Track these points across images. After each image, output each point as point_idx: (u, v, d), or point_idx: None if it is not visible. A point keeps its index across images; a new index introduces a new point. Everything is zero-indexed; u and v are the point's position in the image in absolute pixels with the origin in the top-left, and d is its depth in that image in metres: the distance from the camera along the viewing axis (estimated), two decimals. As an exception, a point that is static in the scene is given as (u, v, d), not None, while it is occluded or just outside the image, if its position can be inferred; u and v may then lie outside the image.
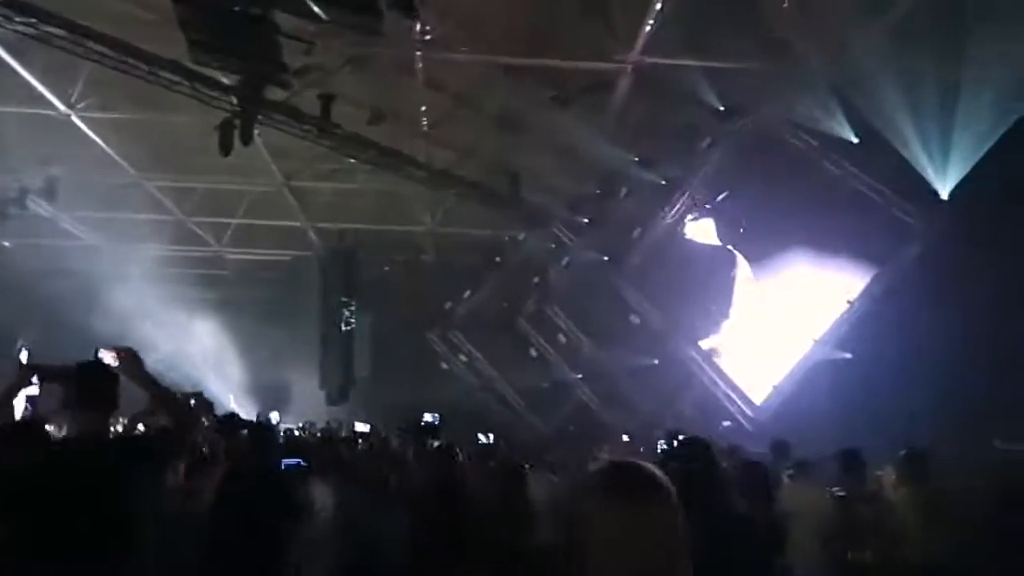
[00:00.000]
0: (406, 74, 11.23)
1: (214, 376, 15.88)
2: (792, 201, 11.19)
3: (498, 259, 15.89)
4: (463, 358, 16.47)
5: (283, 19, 6.97)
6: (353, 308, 15.90)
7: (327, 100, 10.38)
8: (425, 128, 12.24)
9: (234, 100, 9.32)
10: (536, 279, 15.48)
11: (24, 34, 8.10)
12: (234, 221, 16.58)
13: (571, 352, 15.00)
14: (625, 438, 10.54)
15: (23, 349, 20.65)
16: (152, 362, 3.41)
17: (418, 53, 10.09)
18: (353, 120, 11.27)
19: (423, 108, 11.79)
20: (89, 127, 11.88)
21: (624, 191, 13.02)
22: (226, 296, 18.21)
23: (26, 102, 11.12)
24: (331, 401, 15.35)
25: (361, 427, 9.18)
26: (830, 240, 10.90)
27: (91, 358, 3.07)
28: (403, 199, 15.41)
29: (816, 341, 11.00)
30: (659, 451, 7.41)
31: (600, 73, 11.17)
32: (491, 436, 11.43)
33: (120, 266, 16.61)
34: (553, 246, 14.57)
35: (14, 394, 3.33)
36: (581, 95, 11.78)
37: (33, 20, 7.97)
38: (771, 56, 10.01)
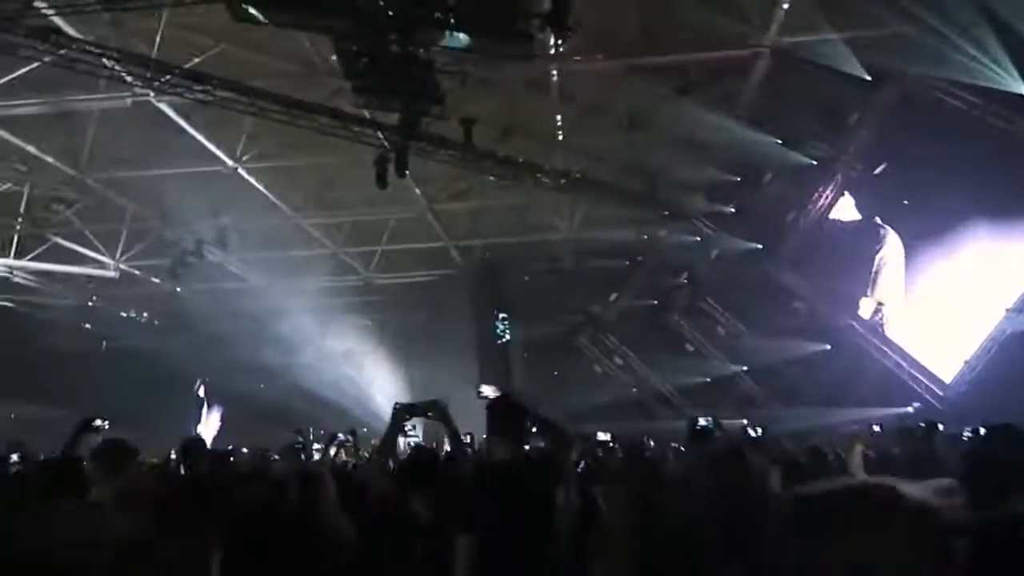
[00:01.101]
0: (539, 88, 11.52)
1: (379, 397, 16.69)
2: (957, 166, 10.51)
3: (640, 258, 15.83)
4: (617, 360, 16.50)
5: (436, 53, 7.30)
6: (504, 320, 16.28)
7: (468, 124, 10.68)
8: (558, 137, 12.43)
9: (389, 136, 9.82)
10: (685, 274, 15.28)
11: (202, 101, 8.87)
12: (379, 248, 17.44)
13: (731, 344, 14.71)
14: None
15: (202, 385, 22.66)
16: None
17: (553, 67, 10.28)
18: (486, 139, 11.66)
19: (557, 118, 11.98)
20: (252, 176, 12.81)
21: (768, 176, 12.66)
22: (380, 320, 19.19)
23: (198, 161, 12.15)
24: (493, 413, 15.78)
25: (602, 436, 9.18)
26: (1007, 202, 10.16)
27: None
28: (538, 209, 15.76)
29: (1009, 310, 10.27)
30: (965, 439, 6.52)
31: (732, 60, 10.97)
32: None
33: (282, 301, 17.84)
34: (698, 239, 14.36)
35: (395, 435, 3.83)
36: (711, 85, 11.65)
37: (208, 87, 8.70)
38: (918, 15, 9.48)
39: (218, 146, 11.73)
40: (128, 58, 8.25)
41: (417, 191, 13.92)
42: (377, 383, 18.31)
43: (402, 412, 3.53)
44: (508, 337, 16.31)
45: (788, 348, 13.11)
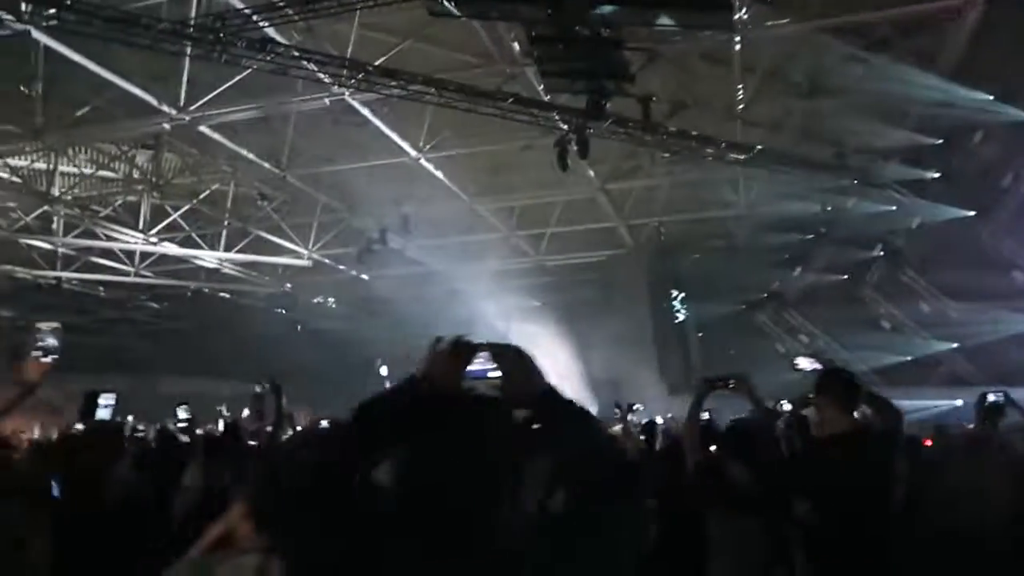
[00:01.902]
0: (714, 60, 11.16)
1: (555, 378, 16.92)
2: None
3: (824, 231, 14.97)
4: (802, 338, 15.76)
5: (627, 33, 7.24)
6: (679, 299, 16.01)
7: (646, 101, 10.50)
8: (737, 109, 11.98)
9: (568, 118, 9.88)
10: (879, 246, 14.28)
11: (395, 96, 9.33)
12: (549, 230, 17.69)
13: (935, 320, 13.61)
14: None
15: (383, 365, 24.05)
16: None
17: (736, 36, 9.89)
18: (657, 114, 11.41)
19: (737, 89, 11.54)
20: (433, 166, 13.33)
21: (978, 136, 11.52)
22: (549, 301, 19.48)
23: (384, 154, 12.81)
24: (673, 391, 15.60)
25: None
26: None
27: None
28: (710, 185, 15.35)
29: None
30: None
31: (938, 10, 10.05)
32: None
33: (458, 284, 18.54)
34: (893, 208, 13.37)
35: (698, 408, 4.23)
36: (906, 40, 10.75)
37: (401, 82, 9.12)
38: None
39: (403, 138, 12.27)
40: (331, 60, 8.80)
41: (591, 172, 13.93)
42: (551, 364, 18.58)
43: (707, 385, 3.56)
44: (684, 316, 15.99)
45: (1007, 323, 11.92)
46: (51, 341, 2.83)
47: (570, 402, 1.55)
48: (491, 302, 18.91)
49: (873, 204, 13.62)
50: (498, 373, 1.58)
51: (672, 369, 15.84)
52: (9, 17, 8.25)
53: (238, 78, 10.32)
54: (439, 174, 13.64)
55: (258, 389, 4.94)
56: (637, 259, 17.51)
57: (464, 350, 1.58)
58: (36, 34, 8.69)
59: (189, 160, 15.01)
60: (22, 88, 10.19)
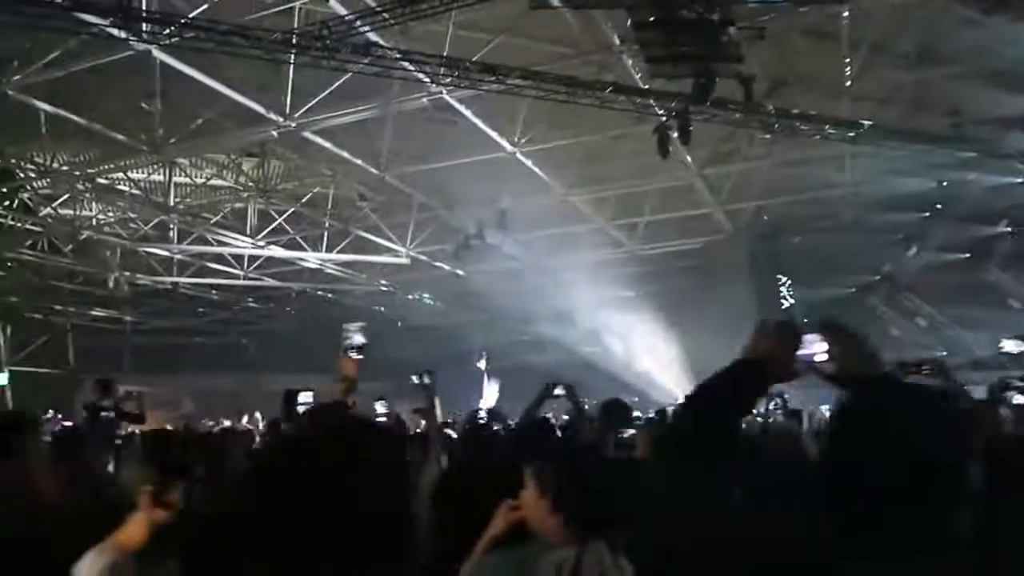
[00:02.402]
0: (818, 34, 10.73)
1: (657, 368, 16.77)
2: None
3: (939, 207, 14.18)
4: (920, 321, 15.00)
5: (736, 11, 7.05)
6: (785, 284, 15.52)
7: (748, 82, 10.19)
8: (844, 84, 11.48)
9: (667, 104, 9.70)
10: (1005, 221, 13.43)
11: (495, 91, 9.38)
12: (643, 219, 17.46)
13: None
14: None
15: (482, 357, 24.39)
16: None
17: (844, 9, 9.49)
18: (756, 94, 11.04)
19: (844, 63, 11.05)
20: (528, 159, 13.36)
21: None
22: (645, 291, 19.26)
23: (480, 150, 12.91)
24: (780, 381, 15.16)
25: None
26: None
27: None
28: (813, 164, 14.82)
29: None
30: None
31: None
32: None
33: (554, 277, 18.56)
34: (1019, 180, 12.54)
35: None
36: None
37: (498, 77, 9.16)
38: None
39: (499, 134, 12.34)
40: (431, 60, 8.93)
41: (688, 158, 13.65)
42: (649, 353, 18.40)
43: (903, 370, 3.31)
44: (790, 302, 15.48)
45: None
46: (359, 339, 3.02)
47: (913, 385, 1.40)
48: (586, 293, 18.86)
49: (995, 177, 12.81)
50: (826, 356, 1.47)
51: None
52: (132, 39, 8.73)
53: (339, 83, 10.62)
54: (534, 168, 13.65)
55: (416, 380, 5.01)
56: (737, 244, 17.05)
57: (791, 333, 1.48)
58: (156, 53, 9.17)
59: (291, 165, 15.59)
60: (143, 105, 10.73)
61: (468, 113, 11.47)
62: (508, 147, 12.70)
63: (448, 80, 9.70)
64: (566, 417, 6.06)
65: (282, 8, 9.22)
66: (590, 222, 17.05)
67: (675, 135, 9.92)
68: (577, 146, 13.79)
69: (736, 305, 16.58)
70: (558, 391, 5.14)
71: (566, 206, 16.02)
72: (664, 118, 10.25)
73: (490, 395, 23.82)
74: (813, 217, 16.17)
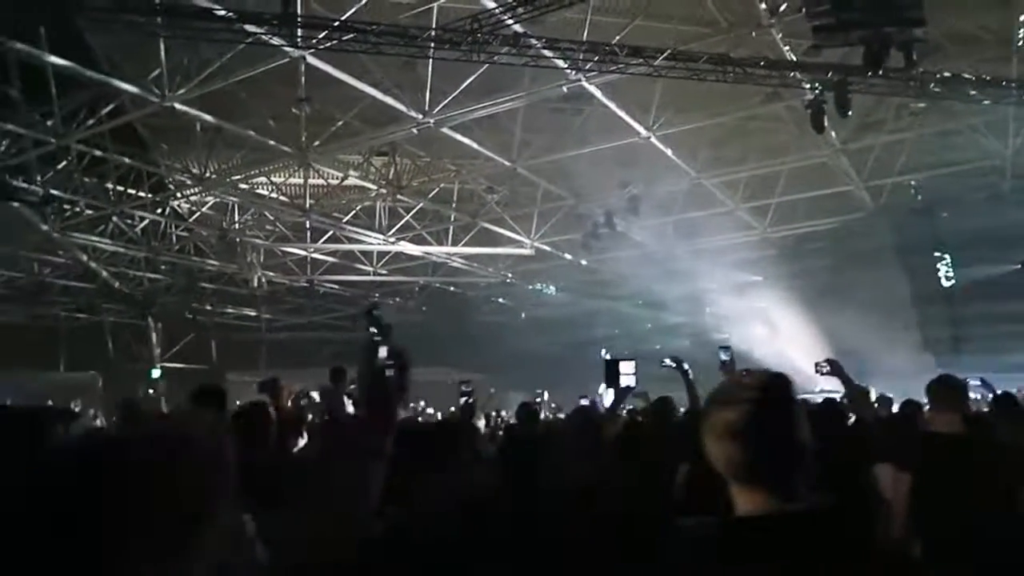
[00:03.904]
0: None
1: (798, 353, 16.14)
2: None
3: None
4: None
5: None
6: (944, 262, 14.57)
7: (909, 45, 9.56)
8: (1018, 43, 10.61)
9: (820, 77, 9.24)
10: None
11: (642, 73, 9.18)
12: (774, 201, 16.79)
13: None
14: None
15: (607, 352, 24.22)
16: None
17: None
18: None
19: (1018, 19, 10.21)
20: (662, 143, 13.06)
21: None
22: (776, 274, 18.56)
23: (614, 136, 12.72)
24: (942, 363, 14.29)
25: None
26: None
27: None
28: (964, 134, 13.89)
29: None
30: None
31: None
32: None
33: (682, 263, 18.15)
34: None
35: None
36: None
37: (647, 57, 8.96)
38: None
39: (634, 118, 12.12)
40: (577, 47, 8.83)
41: (832, 134, 12.98)
42: (784, 337, 17.74)
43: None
44: (951, 280, 14.51)
45: None
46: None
47: None
48: (714, 279, 18.36)
49: None
50: None
51: (939, 337, 14.45)
52: (289, 46, 9.06)
53: (475, 76, 10.69)
54: (668, 151, 13.34)
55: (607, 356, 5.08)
56: (881, 221, 16.13)
57: None
58: (310, 59, 9.49)
59: (419, 163, 15.88)
60: (294, 110, 11.14)
61: (605, 99, 11.31)
62: (643, 131, 12.46)
63: (589, 65, 9.56)
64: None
65: (421, 9, 9.35)
66: (720, 205, 16.55)
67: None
68: (709, 129, 13.40)
69: (881, 285, 15.76)
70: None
71: (697, 190, 15.61)
72: (814, 92, 9.77)
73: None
74: (969, 189, 15.10)
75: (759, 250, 18.79)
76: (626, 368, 5.30)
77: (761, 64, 8.97)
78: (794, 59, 9.69)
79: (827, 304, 16.39)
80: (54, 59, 9.61)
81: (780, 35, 9.63)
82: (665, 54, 8.69)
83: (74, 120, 11.99)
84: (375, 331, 1.96)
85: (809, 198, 16.71)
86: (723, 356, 4.67)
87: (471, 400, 5.73)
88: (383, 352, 1.95)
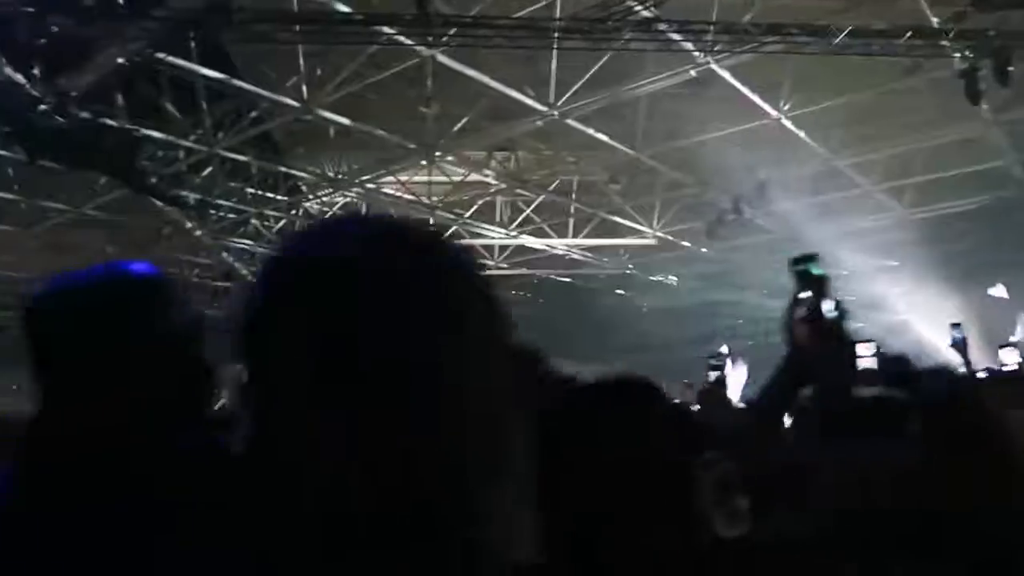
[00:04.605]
0: None
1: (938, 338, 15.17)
2: None
3: None
4: None
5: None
6: None
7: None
8: None
9: (979, 45, 8.61)
10: None
11: (783, 51, 8.85)
12: (913, 180, 15.83)
13: None
14: None
15: (728, 351, 23.56)
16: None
17: None
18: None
19: None
20: (794, 125, 12.55)
21: None
22: (918, 258, 17.46)
23: (742, 119, 12.34)
24: None
25: None
26: None
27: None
28: None
29: None
30: None
31: None
32: None
33: (810, 249, 17.34)
34: None
35: None
36: None
37: (783, 35, 8.61)
38: None
39: (764, 100, 11.71)
40: (710, 28, 8.61)
41: (984, 105, 12.05)
42: (925, 322, 16.70)
43: None
44: None
45: None
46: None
47: None
48: (848, 265, 17.47)
49: None
50: None
51: None
52: (419, 46, 9.31)
53: (600, 64, 10.64)
54: (800, 133, 12.80)
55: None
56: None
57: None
58: (440, 57, 9.71)
59: (539, 156, 15.94)
60: (422, 109, 11.44)
61: (734, 81, 10.97)
62: (773, 113, 12.01)
63: (720, 47, 9.30)
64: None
65: (545, 2, 9.33)
66: (855, 187, 15.74)
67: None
68: (843, 107, 12.75)
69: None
70: None
71: (829, 171, 14.90)
72: (968, 60, 9.11)
73: (738, 376, 22.98)
74: None
75: (897, 232, 17.73)
76: (863, 350, 4.82)
77: (910, 34, 8.41)
78: (945, 27, 9.06)
79: (976, 288, 15.28)
80: (205, 71, 10.26)
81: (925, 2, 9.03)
82: (804, 29, 8.30)
83: (219, 129, 12.77)
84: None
85: (951, 176, 15.62)
86: (955, 335, 4.41)
87: (723, 375, 5.52)
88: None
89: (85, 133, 7.69)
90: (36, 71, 7.17)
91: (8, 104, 6.82)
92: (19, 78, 6.89)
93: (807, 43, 8.63)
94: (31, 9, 6.73)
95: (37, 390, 1.32)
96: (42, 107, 6.88)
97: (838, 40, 8.54)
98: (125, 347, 1.30)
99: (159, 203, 12.38)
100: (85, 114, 7.72)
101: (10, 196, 13.25)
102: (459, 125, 12.73)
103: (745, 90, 11.24)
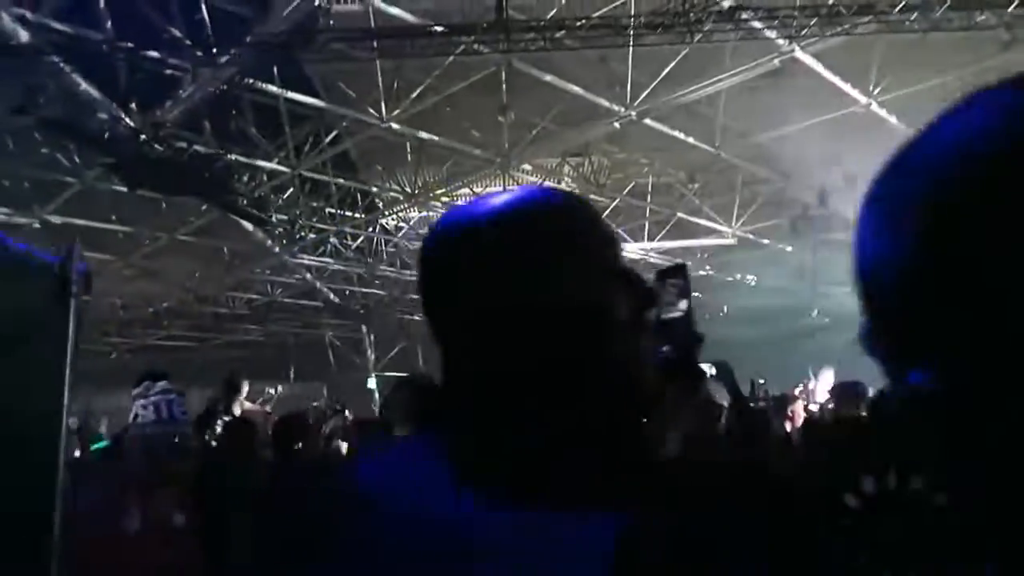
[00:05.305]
0: None
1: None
2: None
3: None
4: None
5: None
6: None
7: None
8: None
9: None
10: None
11: (868, 33, 8.45)
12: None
13: None
14: None
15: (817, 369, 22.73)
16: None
17: None
18: None
19: None
20: (885, 111, 11.99)
21: None
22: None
23: (827, 108, 11.87)
24: None
25: None
26: None
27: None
28: None
29: None
30: None
31: None
32: None
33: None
34: None
35: None
36: None
37: (876, 15, 8.21)
38: None
39: (852, 86, 11.23)
40: (799, 12, 8.28)
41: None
42: None
43: None
44: None
45: None
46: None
47: None
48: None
49: None
50: None
51: None
52: (495, 52, 9.25)
53: (677, 60, 10.39)
54: (892, 119, 12.23)
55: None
56: None
57: None
58: (517, 63, 9.65)
59: (613, 160, 15.73)
60: (499, 118, 11.40)
61: (821, 68, 10.55)
62: (863, 99, 11.50)
63: (806, 31, 8.94)
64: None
65: (617, 4, 9.16)
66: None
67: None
68: (936, 88, 12.12)
69: None
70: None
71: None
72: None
73: (825, 379, 22.11)
74: None
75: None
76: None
77: (1017, 2, 7.90)
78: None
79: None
80: (288, 94, 10.47)
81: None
82: (900, 6, 7.89)
83: (300, 150, 13.04)
84: None
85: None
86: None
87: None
88: None
89: (181, 161, 7.91)
90: (134, 104, 7.41)
91: (111, 137, 7.07)
92: (119, 112, 7.13)
93: (902, 20, 8.18)
94: (128, 45, 6.96)
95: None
96: (142, 138, 7.11)
97: (938, 14, 8.06)
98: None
99: (247, 226, 12.66)
100: (180, 143, 7.94)
101: (109, 226, 13.81)
102: (534, 132, 12.67)
103: (832, 76, 10.77)
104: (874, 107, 11.72)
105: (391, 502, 0.78)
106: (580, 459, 0.81)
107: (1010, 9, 8.02)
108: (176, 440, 2.70)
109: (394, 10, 8.50)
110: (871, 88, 11.42)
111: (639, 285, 0.99)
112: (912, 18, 8.04)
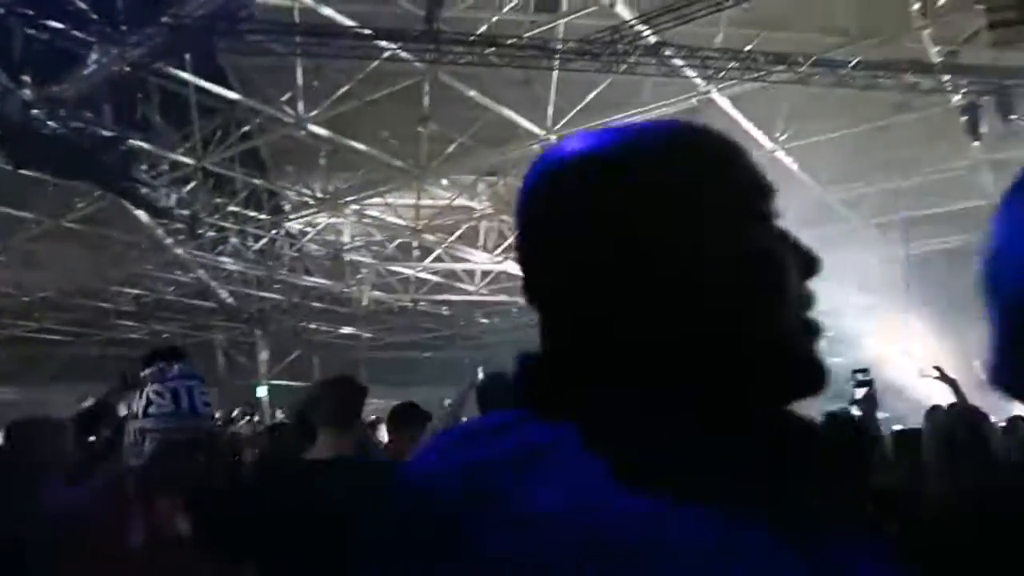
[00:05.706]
0: None
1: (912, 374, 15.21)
2: None
3: None
4: None
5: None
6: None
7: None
8: None
9: (980, 80, 8.69)
10: None
11: (786, 82, 8.84)
12: (901, 216, 15.99)
13: None
14: None
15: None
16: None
17: None
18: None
19: None
20: (787, 156, 12.60)
21: None
22: (907, 294, 17.60)
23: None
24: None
25: None
26: None
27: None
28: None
29: None
30: None
31: None
32: None
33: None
34: None
35: None
36: None
37: (789, 64, 8.61)
38: None
39: (763, 132, 11.75)
40: (720, 55, 8.58)
41: (975, 144, 12.22)
42: (907, 358, 16.77)
43: None
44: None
45: None
46: None
47: None
48: (834, 299, 17.54)
49: None
50: None
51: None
52: (421, 62, 9.14)
53: (599, 88, 10.57)
54: (794, 166, 12.86)
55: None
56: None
57: None
58: (443, 76, 9.56)
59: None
60: (419, 129, 11.26)
61: (733, 111, 10.98)
62: (769, 145, 12.04)
63: (724, 74, 9.27)
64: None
65: (549, 26, 9.25)
66: (845, 221, 15.86)
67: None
68: (834, 142, 12.87)
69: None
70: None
71: (820, 206, 14.98)
72: (969, 97, 9.21)
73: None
74: None
75: (884, 268, 17.88)
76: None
77: (912, 69, 8.47)
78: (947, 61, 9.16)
79: (967, 325, 15.36)
80: (199, 82, 9.98)
81: (928, 33, 9.12)
82: (812, 59, 8.31)
83: (208, 143, 12.45)
84: None
85: (940, 214, 15.85)
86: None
87: (872, 391, 4.90)
88: None
89: (77, 142, 7.36)
90: (28, 77, 6.86)
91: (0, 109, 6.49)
92: (11, 84, 6.58)
93: (813, 74, 8.62)
94: (27, 12, 6.45)
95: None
96: (34, 113, 6.56)
97: (845, 72, 8.53)
98: None
99: (141, 217, 11.96)
100: (77, 123, 7.39)
101: (-17, 206, 12.74)
102: (452, 147, 12.59)
103: (744, 120, 11.23)
104: (779, 153, 12.29)
105: (527, 501, 0.61)
106: (755, 459, 0.66)
107: (907, 73, 8.57)
108: (200, 439, 2.17)
109: (326, 10, 8.26)
110: (777, 135, 11.96)
111: (803, 249, 0.80)
112: (820, 72, 8.46)
